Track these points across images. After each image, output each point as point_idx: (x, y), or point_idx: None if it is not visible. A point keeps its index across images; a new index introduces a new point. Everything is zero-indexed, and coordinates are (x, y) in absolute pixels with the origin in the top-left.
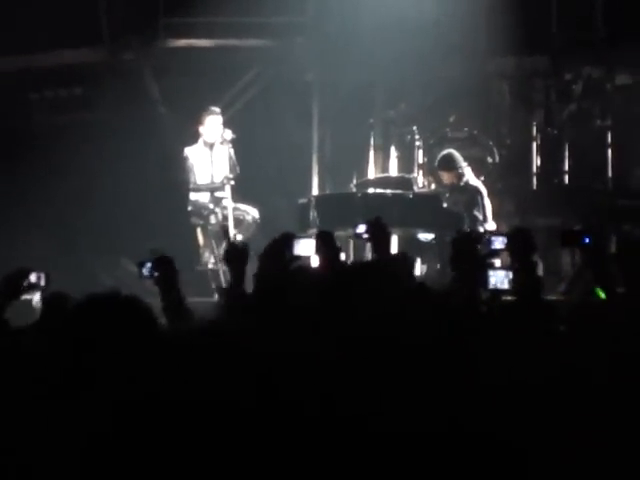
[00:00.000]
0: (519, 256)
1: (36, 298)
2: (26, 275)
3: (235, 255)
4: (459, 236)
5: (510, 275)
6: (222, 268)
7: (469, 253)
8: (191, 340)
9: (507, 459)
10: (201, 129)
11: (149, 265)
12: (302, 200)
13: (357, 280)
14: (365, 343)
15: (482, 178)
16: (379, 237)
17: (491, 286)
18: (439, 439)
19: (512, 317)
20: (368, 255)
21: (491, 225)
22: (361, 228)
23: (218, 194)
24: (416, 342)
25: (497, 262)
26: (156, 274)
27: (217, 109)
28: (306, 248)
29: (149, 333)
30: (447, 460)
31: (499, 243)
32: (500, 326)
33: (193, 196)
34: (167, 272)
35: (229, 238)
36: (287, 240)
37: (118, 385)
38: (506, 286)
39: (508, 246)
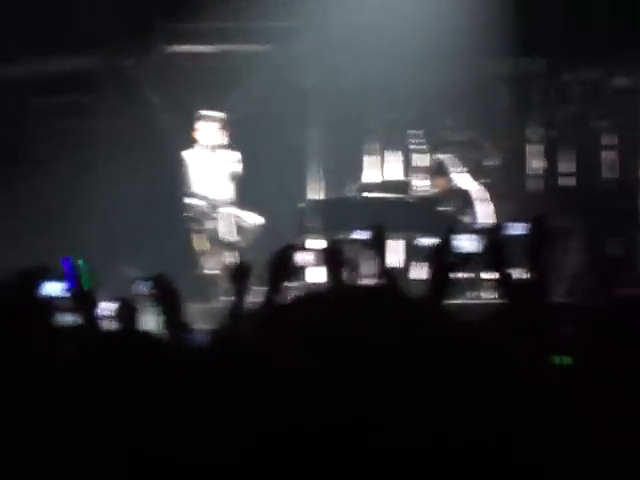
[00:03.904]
0: (538, 247)
1: None
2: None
3: (239, 275)
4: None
5: (477, 239)
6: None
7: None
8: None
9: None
10: (196, 134)
11: (147, 283)
12: (302, 205)
13: (364, 303)
14: (374, 362)
15: (482, 181)
16: (381, 243)
17: (458, 250)
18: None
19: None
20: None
21: None
22: (363, 234)
23: (216, 199)
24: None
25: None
26: (154, 291)
27: (210, 113)
28: (309, 259)
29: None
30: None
31: (521, 229)
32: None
33: (190, 200)
34: (165, 289)
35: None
36: (290, 252)
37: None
38: (473, 249)
39: (529, 234)
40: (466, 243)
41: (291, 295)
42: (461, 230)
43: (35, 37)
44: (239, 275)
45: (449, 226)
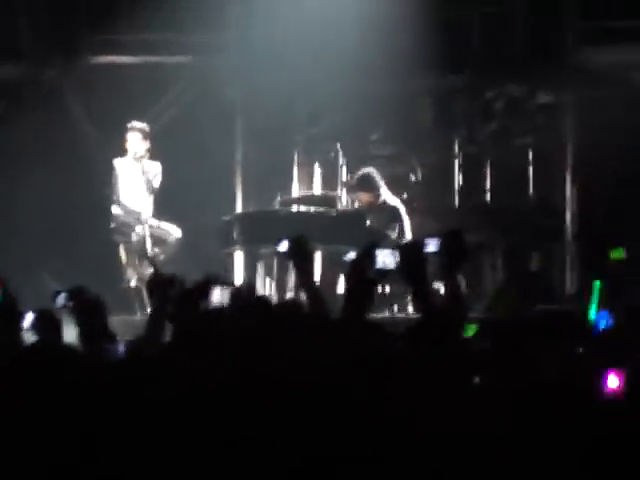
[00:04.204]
0: (452, 262)
1: None
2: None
3: (159, 287)
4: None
5: (397, 255)
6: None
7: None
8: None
9: None
10: (126, 145)
11: (64, 295)
12: (226, 218)
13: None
14: (280, 384)
15: (404, 196)
16: (301, 255)
17: (379, 266)
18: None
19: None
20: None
21: None
22: (283, 246)
23: (139, 210)
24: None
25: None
26: (70, 304)
27: (137, 124)
28: (222, 296)
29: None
30: None
31: (433, 246)
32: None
33: (115, 210)
34: (82, 302)
35: (156, 268)
36: (209, 286)
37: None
38: (393, 266)
39: (441, 249)
40: (386, 258)
41: (204, 312)
42: (383, 245)
43: None
44: (157, 287)
45: (370, 241)
